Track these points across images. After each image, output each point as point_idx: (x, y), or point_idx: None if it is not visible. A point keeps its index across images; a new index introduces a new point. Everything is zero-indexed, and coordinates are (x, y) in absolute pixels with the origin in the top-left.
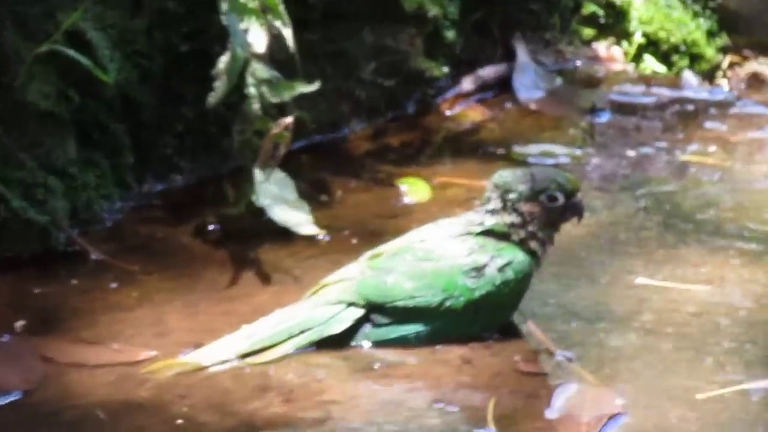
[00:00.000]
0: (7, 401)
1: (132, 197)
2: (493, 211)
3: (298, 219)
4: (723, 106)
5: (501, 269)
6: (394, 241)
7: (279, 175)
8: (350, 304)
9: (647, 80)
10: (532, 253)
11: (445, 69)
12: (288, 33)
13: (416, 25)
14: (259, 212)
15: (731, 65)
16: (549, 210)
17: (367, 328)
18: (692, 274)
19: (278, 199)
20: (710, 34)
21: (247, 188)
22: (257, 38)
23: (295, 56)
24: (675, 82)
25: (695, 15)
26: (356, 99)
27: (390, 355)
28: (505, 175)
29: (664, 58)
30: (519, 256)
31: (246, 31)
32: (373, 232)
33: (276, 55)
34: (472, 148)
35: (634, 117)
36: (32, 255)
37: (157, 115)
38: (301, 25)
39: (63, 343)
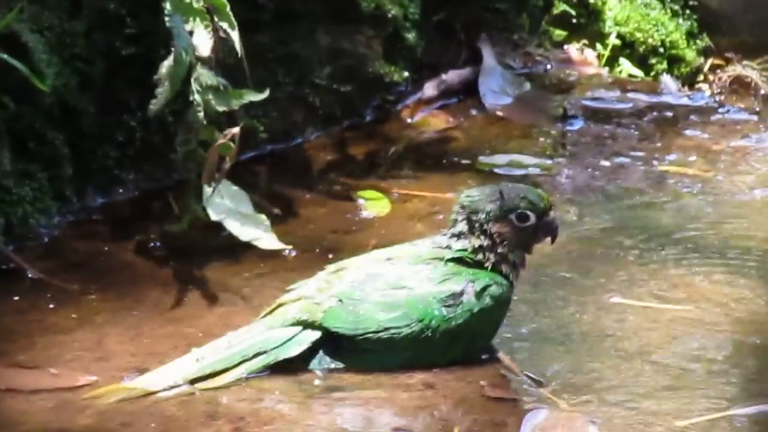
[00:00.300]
0: None
1: (71, 211)
2: (459, 234)
3: (257, 234)
4: (704, 112)
5: (478, 296)
6: (357, 258)
7: (232, 188)
8: (308, 326)
9: (623, 85)
10: (505, 277)
11: (406, 73)
12: (235, 35)
13: (374, 26)
14: (207, 228)
15: (713, 68)
16: (520, 230)
17: (326, 352)
18: (671, 293)
19: (233, 213)
20: (690, 35)
21: (192, 203)
22: (203, 41)
23: (243, 60)
24: (653, 87)
25: (674, 15)
26: (310, 106)
27: (348, 379)
28: (471, 194)
29: (641, 61)
30: (496, 280)
31: (191, 33)
32: (328, 248)
33: (224, 59)
34: (434, 158)
35: (608, 124)
36: None
37: (98, 124)
38: (250, 26)
39: None
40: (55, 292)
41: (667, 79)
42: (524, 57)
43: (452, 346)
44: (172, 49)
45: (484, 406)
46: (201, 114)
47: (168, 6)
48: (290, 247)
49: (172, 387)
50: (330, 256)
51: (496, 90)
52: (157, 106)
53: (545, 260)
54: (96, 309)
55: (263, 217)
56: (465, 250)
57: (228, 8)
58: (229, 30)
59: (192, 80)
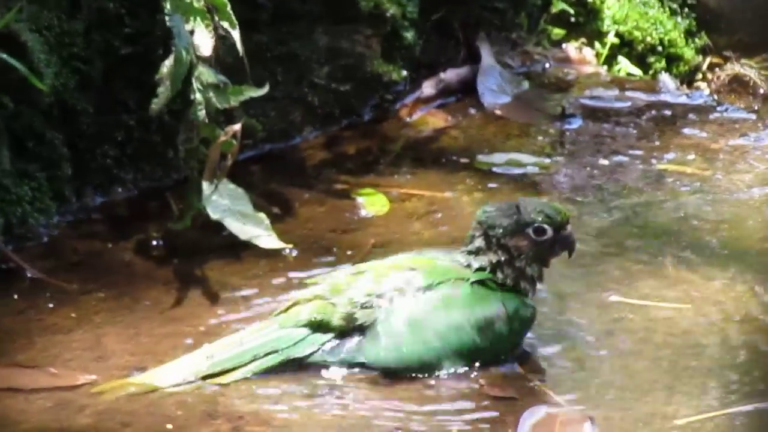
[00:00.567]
0: None
1: (70, 211)
2: (477, 251)
3: (257, 233)
4: (702, 111)
5: (509, 321)
6: (377, 263)
7: (230, 186)
8: (321, 327)
9: (621, 83)
10: (525, 294)
11: (404, 72)
12: (236, 35)
13: (373, 25)
14: (206, 227)
15: (711, 67)
16: (537, 244)
17: (335, 347)
18: (669, 292)
19: (232, 212)
20: (689, 34)
21: (193, 201)
22: (203, 40)
23: (243, 59)
24: (651, 86)
25: (672, 13)
26: (309, 105)
27: (348, 378)
28: (488, 210)
29: (640, 59)
30: (524, 304)
31: (191, 32)
32: (327, 248)
33: (223, 58)
34: (433, 157)
35: (607, 123)
36: None
37: (97, 124)
38: (249, 26)
39: None
40: (54, 291)
41: (665, 78)
42: (522, 56)
43: (476, 361)
44: (173, 48)
45: (483, 405)
46: (203, 112)
47: (168, 6)
48: (290, 246)
49: (181, 383)
50: (328, 255)
51: (495, 89)
52: (159, 105)
53: None
54: (95, 308)
55: (263, 216)
56: (484, 269)
57: (228, 7)
58: (229, 29)
59: (193, 79)
